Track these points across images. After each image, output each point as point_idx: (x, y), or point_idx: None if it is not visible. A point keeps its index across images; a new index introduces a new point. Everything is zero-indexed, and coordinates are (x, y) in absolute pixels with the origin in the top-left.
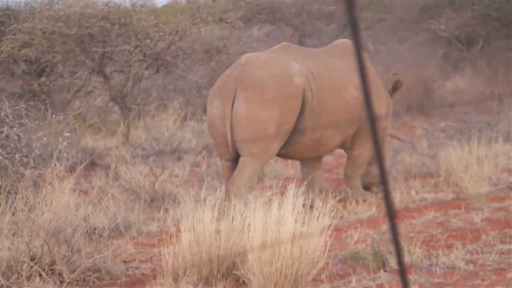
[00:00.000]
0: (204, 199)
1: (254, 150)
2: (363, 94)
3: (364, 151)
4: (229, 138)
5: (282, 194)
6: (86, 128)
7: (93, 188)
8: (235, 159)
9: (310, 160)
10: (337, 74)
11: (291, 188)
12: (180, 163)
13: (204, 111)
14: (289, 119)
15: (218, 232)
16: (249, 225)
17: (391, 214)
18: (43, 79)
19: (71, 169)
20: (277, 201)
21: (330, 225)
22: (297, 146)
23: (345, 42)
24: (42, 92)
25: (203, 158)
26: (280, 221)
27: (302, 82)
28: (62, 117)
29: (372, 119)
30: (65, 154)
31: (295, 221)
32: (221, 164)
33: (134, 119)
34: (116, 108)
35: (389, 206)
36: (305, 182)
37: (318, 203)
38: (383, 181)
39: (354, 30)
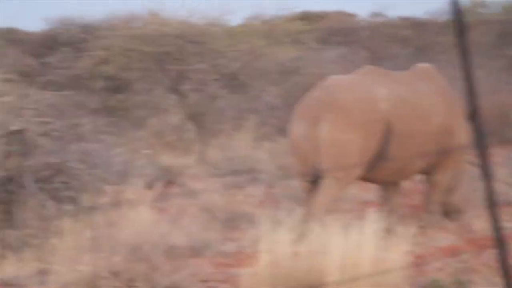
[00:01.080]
0: (282, 221)
1: (336, 172)
2: (470, 121)
3: (446, 177)
4: (310, 159)
5: (361, 218)
6: (163, 145)
7: (170, 206)
8: (315, 181)
9: (390, 185)
10: (423, 99)
11: (371, 212)
12: (255, 183)
13: (279, 132)
14: (372, 144)
15: (296, 254)
16: (327, 248)
17: (500, 241)
18: (120, 95)
19: (149, 186)
20: (356, 225)
21: (410, 252)
22: (380, 171)
23: (427, 67)
24: (120, 109)
25: (278, 179)
26: (359, 245)
27: (387, 107)
28: (140, 134)
29: (482, 146)
30: (143, 171)
31: (375, 246)
32: (301, 185)
33: (209, 138)
34: (191, 126)
35: (497, 233)
36: (385, 207)
37: (398, 229)
38: (490, 207)
39: (463, 54)
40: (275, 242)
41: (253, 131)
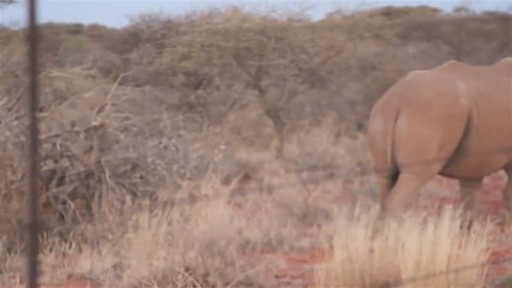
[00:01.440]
0: (358, 217)
1: (415, 167)
2: None
3: None
4: (388, 154)
5: (437, 214)
6: (241, 141)
7: (246, 201)
8: (393, 176)
9: (470, 180)
10: (504, 94)
11: (448, 209)
12: (333, 179)
13: (358, 127)
14: (452, 139)
15: (371, 250)
16: (403, 245)
17: None
18: (200, 91)
19: (226, 182)
20: (432, 222)
21: (487, 249)
22: (460, 166)
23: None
24: (199, 104)
25: (356, 175)
26: (435, 242)
27: (468, 103)
28: (218, 129)
29: None
30: (220, 166)
31: (452, 243)
32: (378, 181)
33: (288, 133)
34: (270, 121)
35: None
36: (463, 203)
37: (476, 225)
38: None
39: None
40: (351, 238)
41: (332, 126)
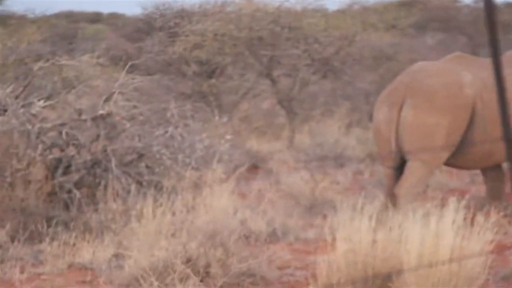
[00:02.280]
0: (362, 208)
1: (422, 156)
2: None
3: None
4: (393, 144)
5: (442, 206)
6: (252, 131)
7: (252, 191)
8: (399, 167)
9: (492, 170)
10: (508, 84)
11: (452, 201)
12: (343, 170)
13: (371, 118)
14: (458, 129)
15: (374, 242)
16: (406, 236)
17: None
18: (212, 80)
19: (233, 171)
20: (436, 214)
21: (491, 241)
22: (465, 156)
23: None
24: (211, 94)
25: (366, 166)
26: (438, 234)
27: (473, 93)
28: (225, 119)
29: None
30: (226, 157)
31: (455, 235)
32: (384, 171)
33: (299, 123)
34: (282, 112)
35: None
36: (489, 195)
37: (480, 217)
38: None
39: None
40: (354, 230)
41: (344, 117)
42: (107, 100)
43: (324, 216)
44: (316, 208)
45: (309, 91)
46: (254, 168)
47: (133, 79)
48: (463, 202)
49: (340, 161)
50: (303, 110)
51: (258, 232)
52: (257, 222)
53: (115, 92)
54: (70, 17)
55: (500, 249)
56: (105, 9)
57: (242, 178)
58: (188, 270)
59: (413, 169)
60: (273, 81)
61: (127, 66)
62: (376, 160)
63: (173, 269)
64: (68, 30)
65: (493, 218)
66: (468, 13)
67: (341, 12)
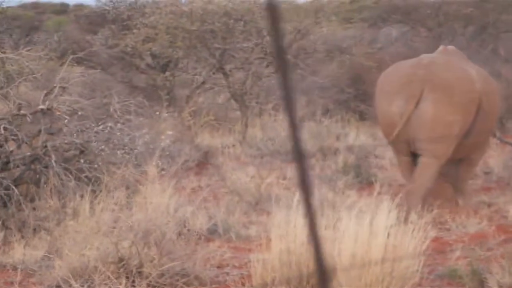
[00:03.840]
0: (297, 206)
1: (438, 151)
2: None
3: (482, 155)
4: (407, 135)
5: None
6: (203, 125)
7: (197, 188)
8: (414, 155)
9: (455, 163)
10: (494, 79)
11: (386, 199)
12: (294, 164)
13: (325, 112)
14: (468, 123)
15: (308, 240)
16: (342, 235)
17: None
18: (166, 74)
19: (183, 168)
20: (370, 212)
21: (429, 239)
22: (458, 147)
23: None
24: (165, 87)
25: (317, 160)
26: (372, 232)
27: (480, 87)
28: (166, 114)
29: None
30: (167, 153)
31: (388, 234)
32: (399, 161)
33: (252, 117)
34: (234, 105)
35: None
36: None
37: (418, 215)
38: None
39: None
40: (289, 228)
41: (298, 111)
42: (47, 94)
43: (268, 213)
44: (261, 204)
45: (264, 85)
46: (203, 163)
47: (77, 72)
48: (396, 201)
49: (291, 155)
50: (256, 104)
51: (199, 230)
52: (198, 219)
53: (56, 86)
54: (36, 8)
55: (440, 246)
56: (72, 1)
57: (191, 173)
58: (123, 269)
59: (428, 165)
60: (226, 75)
61: (68, 60)
62: (327, 155)
63: (104, 269)
64: (30, 22)
65: (427, 216)
66: (428, 5)
67: (293, 5)
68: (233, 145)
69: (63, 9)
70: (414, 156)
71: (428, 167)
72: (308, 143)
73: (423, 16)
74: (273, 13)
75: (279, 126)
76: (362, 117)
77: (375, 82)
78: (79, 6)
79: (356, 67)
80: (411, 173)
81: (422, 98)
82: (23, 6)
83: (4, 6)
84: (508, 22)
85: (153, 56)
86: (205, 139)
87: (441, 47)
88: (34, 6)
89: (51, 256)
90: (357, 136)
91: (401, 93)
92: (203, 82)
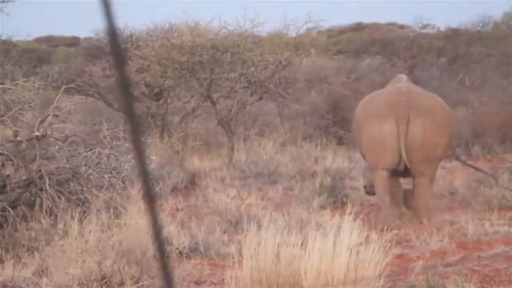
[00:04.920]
0: (267, 226)
1: (430, 171)
2: None
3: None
4: (404, 154)
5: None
6: (190, 150)
7: (178, 208)
8: (393, 171)
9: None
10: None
11: (348, 220)
12: (275, 186)
13: (306, 137)
14: (448, 143)
15: (279, 259)
16: (308, 254)
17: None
18: (160, 101)
19: (174, 189)
20: (333, 232)
21: (384, 260)
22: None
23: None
24: (159, 114)
25: (296, 182)
26: (335, 252)
27: (451, 112)
28: (150, 140)
29: None
30: (151, 176)
31: (350, 253)
32: (379, 174)
33: (238, 142)
34: (221, 131)
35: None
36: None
37: (374, 235)
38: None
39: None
40: (259, 247)
41: (280, 136)
42: (42, 122)
43: (246, 232)
44: (241, 223)
45: (250, 112)
46: (192, 185)
47: (72, 101)
48: (358, 221)
49: (273, 177)
50: (241, 130)
51: (181, 248)
52: (181, 238)
53: (50, 114)
54: (50, 41)
55: (404, 263)
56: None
57: (179, 194)
58: (105, 286)
59: (424, 184)
60: (213, 103)
61: (62, 89)
62: (305, 176)
63: (88, 286)
64: (41, 54)
65: (388, 235)
66: (403, 38)
67: (274, 38)
68: (220, 168)
69: (74, 42)
70: (393, 172)
71: (427, 186)
72: (289, 166)
73: (399, 48)
74: (114, 39)
75: (262, 150)
76: (340, 141)
77: (352, 109)
78: (89, 39)
79: (334, 95)
80: (387, 186)
81: (410, 121)
82: (38, 40)
83: (14, 39)
84: (477, 54)
85: (147, 85)
86: (194, 162)
87: (399, 75)
88: (48, 39)
89: (40, 274)
90: (334, 159)
91: (391, 116)
92: (193, 109)
